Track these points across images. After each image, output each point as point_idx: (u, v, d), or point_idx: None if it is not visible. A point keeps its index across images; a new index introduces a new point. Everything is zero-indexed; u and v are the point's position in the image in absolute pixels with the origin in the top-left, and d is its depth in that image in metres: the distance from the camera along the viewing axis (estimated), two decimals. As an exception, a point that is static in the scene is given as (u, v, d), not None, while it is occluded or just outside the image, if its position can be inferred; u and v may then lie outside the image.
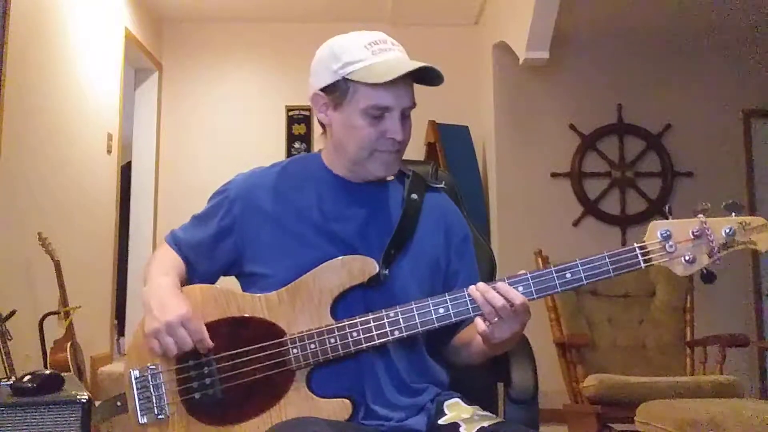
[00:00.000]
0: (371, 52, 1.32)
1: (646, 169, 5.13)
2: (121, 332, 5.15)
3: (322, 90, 1.37)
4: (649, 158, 5.15)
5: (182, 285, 1.39)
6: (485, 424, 1.23)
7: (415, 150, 5.13)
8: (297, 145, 5.53)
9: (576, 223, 5.05)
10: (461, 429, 1.24)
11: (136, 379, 1.34)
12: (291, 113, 5.54)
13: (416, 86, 1.38)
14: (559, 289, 1.25)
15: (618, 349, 3.73)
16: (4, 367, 2.86)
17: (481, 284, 1.24)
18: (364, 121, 1.33)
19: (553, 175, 5.11)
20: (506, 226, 4.98)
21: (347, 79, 1.32)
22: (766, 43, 5.19)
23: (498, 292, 1.22)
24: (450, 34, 5.43)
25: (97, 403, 2.31)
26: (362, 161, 1.37)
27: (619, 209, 5.08)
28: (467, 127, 5.12)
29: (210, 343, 1.29)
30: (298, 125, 5.54)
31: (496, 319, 1.21)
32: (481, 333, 1.24)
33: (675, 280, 3.82)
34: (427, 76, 1.33)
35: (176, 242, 1.47)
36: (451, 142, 4.99)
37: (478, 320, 1.23)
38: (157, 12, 5.45)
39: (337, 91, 1.34)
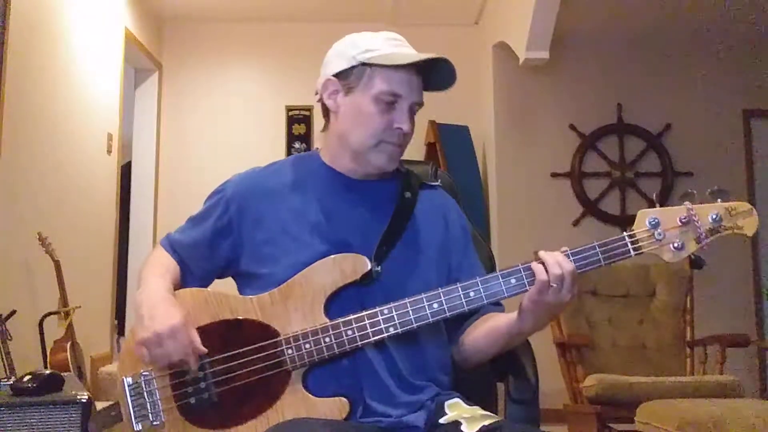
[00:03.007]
0: (391, 45, 1.37)
1: (646, 169, 5.13)
2: (121, 332, 5.15)
3: (335, 75, 1.38)
4: (649, 158, 5.16)
5: (176, 288, 1.38)
6: (486, 423, 1.23)
7: (415, 150, 5.13)
8: (297, 145, 5.52)
9: (576, 223, 5.05)
10: (463, 427, 1.24)
11: (129, 386, 1.33)
12: (291, 113, 5.54)
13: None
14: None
15: (618, 349, 3.73)
16: (4, 367, 2.86)
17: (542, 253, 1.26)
18: (374, 108, 1.35)
19: (553, 175, 5.12)
20: (506, 226, 4.98)
21: (365, 63, 1.35)
22: (766, 44, 5.19)
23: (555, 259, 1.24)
24: (450, 34, 5.43)
25: (97, 404, 2.32)
26: (367, 151, 1.38)
27: (619, 209, 5.08)
28: (467, 127, 5.12)
29: (202, 350, 1.29)
30: (298, 125, 5.54)
31: (555, 284, 1.22)
32: (533, 297, 1.25)
33: (675, 280, 3.82)
34: (436, 80, 1.38)
35: (171, 245, 1.46)
36: (451, 142, 4.99)
37: (533, 288, 1.24)
38: (157, 12, 5.45)
39: (352, 75, 1.36)
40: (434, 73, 1.38)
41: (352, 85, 1.36)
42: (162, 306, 1.30)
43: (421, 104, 1.39)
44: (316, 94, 1.43)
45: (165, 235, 1.50)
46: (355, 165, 1.41)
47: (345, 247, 1.34)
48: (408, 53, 1.36)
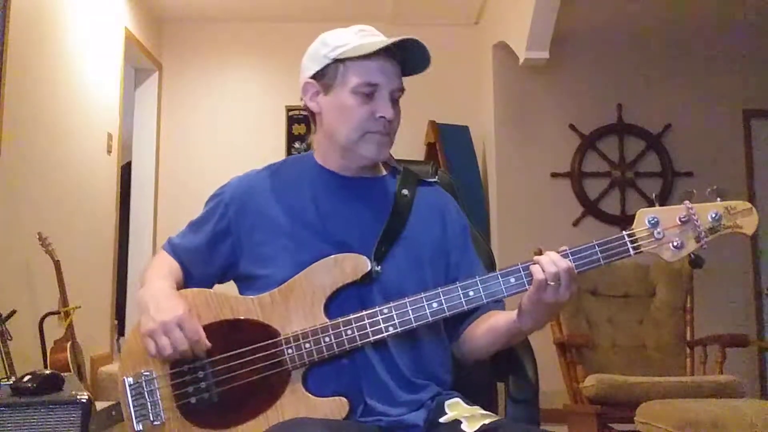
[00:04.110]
0: (360, 36, 1.37)
1: (646, 169, 5.13)
2: (121, 332, 5.14)
3: (312, 78, 1.40)
4: (649, 158, 5.15)
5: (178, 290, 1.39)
6: (487, 422, 1.23)
7: (415, 150, 5.13)
8: (297, 145, 5.53)
9: (576, 223, 5.05)
10: (463, 426, 1.24)
11: (130, 386, 1.33)
12: (291, 113, 5.55)
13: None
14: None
15: (618, 349, 3.73)
16: (4, 367, 2.86)
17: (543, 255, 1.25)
18: (354, 101, 1.35)
19: (553, 175, 5.11)
20: (506, 226, 4.98)
21: (337, 60, 1.36)
22: (766, 44, 5.19)
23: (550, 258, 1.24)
24: (450, 34, 5.43)
25: (97, 404, 2.32)
26: (354, 144, 1.38)
27: (619, 209, 5.08)
28: (467, 127, 5.12)
29: (207, 345, 1.29)
30: (298, 125, 5.54)
31: (552, 283, 1.22)
32: (532, 297, 1.24)
33: (675, 280, 3.82)
34: (414, 62, 1.38)
35: (173, 249, 1.47)
36: (451, 142, 4.99)
37: (532, 287, 1.24)
38: (157, 12, 5.45)
39: (327, 74, 1.37)
40: (409, 57, 1.38)
41: (329, 83, 1.38)
42: (167, 299, 1.31)
43: (401, 90, 1.39)
44: (301, 99, 1.44)
45: (167, 239, 1.51)
46: (346, 161, 1.42)
47: (344, 246, 1.34)
48: (376, 41, 1.36)
